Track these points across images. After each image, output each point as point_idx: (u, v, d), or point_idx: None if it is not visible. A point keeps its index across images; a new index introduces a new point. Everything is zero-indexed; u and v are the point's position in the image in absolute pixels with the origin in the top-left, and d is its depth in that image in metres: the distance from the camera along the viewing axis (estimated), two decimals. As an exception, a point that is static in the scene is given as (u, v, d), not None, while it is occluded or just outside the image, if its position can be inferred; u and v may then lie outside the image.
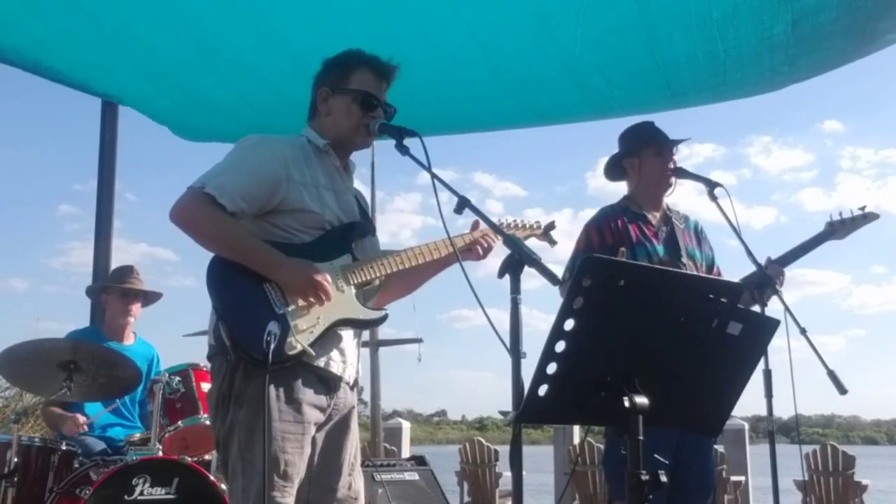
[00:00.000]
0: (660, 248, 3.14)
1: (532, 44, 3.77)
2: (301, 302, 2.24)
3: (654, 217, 3.23)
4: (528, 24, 3.63)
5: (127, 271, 4.12)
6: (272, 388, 2.16)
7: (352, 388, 2.43)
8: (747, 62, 3.86)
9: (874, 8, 3.41)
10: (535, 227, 2.78)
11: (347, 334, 2.36)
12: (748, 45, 3.68)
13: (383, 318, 2.42)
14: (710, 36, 3.61)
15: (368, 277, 2.38)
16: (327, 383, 2.31)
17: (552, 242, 2.82)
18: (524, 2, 3.49)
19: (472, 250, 2.57)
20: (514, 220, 2.76)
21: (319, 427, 2.31)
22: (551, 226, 2.80)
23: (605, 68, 3.94)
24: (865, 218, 3.20)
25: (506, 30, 3.69)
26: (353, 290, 2.35)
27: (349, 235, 2.40)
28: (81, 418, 3.68)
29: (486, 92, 4.27)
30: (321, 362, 2.27)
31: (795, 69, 3.94)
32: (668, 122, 3.39)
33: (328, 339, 2.28)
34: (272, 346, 2.10)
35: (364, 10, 3.48)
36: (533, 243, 2.77)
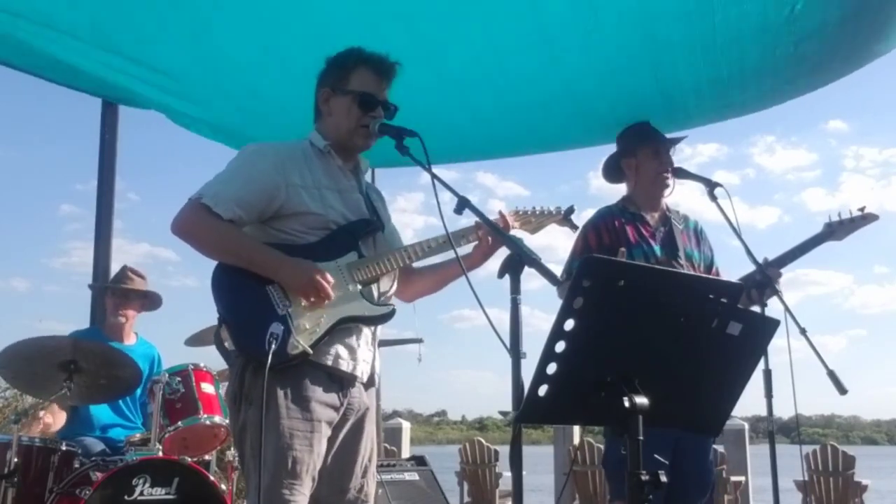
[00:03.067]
0: (657, 249, 3.14)
1: (536, 70, 3.77)
2: (304, 301, 2.27)
3: (653, 218, 3.23)
4: (532, 51, 3.63)
5: (120, 272, 4.14)
6: (279, 387, 2.21)
7: (367, 387, 2.44)
8: (750, 83, 3.87)
9: (873, 30, 3.44)
10: (555, 212, 2.75)
11: (358, 331, 2.38)
12: (751, 67, 3.68)
13: (390, 314, 2.43)
14: (714, 60, 3.61)
15: (374, 274, 2.40)
16: (339, 381, 2.33)
17: (574, 227, 2.80)
18: (529, 28, 3.48)
19: (480, 243, 2.54)
20: (534, 207, 2.73)
21: (336, 427, 2.34)
22: (571, 210, 2.77)
23: (609, 95, 3.94)
24: (864, 219, 3.18)
25: (510, 56, 3.69)
26: (359, 288, 2.37)
27: (356, 233, 2.42)
28: None
29: (489, 120, 4.27)
30: (329, 360, 2.29)
31: (796, 87, 3.96)
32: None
33: (335, 336, 2.30)
34: (273, 346, 2.14)
35: (366, 35, 3.47)
36: (553, 229, 2.76)
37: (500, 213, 2.60)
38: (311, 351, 2.23)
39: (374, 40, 2.48)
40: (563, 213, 2.75)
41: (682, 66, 3.68)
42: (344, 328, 2.32)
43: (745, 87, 3.89)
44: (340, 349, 2.31)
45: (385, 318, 2.43)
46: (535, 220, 2.71)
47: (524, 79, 3.85)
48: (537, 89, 3.93)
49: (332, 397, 2.30)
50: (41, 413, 3.73)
